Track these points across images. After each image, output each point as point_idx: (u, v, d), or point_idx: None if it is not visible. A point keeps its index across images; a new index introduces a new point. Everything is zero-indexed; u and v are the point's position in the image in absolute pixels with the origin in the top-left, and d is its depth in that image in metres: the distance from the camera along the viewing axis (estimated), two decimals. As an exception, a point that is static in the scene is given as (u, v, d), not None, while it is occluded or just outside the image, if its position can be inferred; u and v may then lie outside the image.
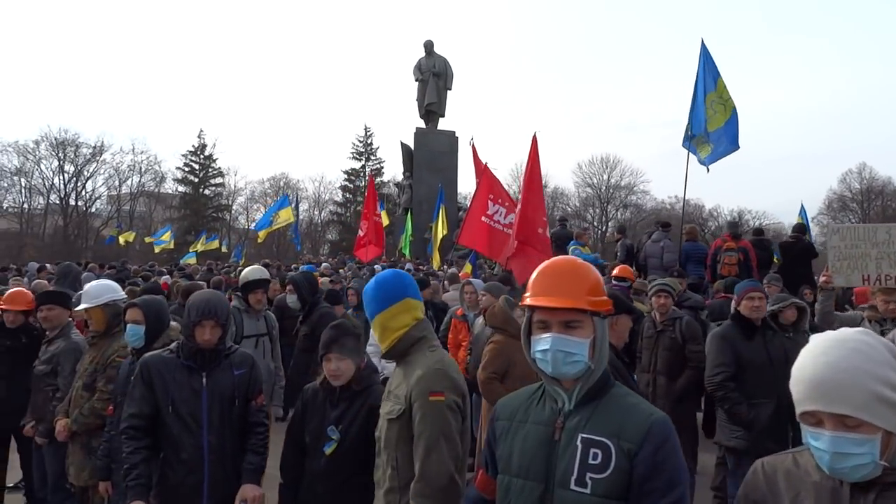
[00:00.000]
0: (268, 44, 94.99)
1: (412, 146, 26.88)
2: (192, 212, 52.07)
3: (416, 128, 26.97)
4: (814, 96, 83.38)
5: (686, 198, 10.07)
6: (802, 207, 17.66)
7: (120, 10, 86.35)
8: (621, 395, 1.75)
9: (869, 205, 50.29)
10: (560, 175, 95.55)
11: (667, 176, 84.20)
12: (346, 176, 55.17)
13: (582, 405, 1.72)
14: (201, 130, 64.72)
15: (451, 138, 27.22)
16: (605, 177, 60.72)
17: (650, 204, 60.77)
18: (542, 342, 1.72)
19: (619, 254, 10.10)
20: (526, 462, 1.73)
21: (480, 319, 5.69)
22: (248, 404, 3.20)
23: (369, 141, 54.75)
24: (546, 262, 1.88)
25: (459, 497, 2.12)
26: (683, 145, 8.54)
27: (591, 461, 1.63)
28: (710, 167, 8.40)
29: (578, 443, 1.66)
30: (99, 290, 4.09)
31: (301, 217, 59.24)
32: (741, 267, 7.38)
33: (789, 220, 51.14)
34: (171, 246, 27.19)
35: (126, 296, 4.30)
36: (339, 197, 56.36)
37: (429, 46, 26.74)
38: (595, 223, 60.20)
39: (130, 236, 28.29)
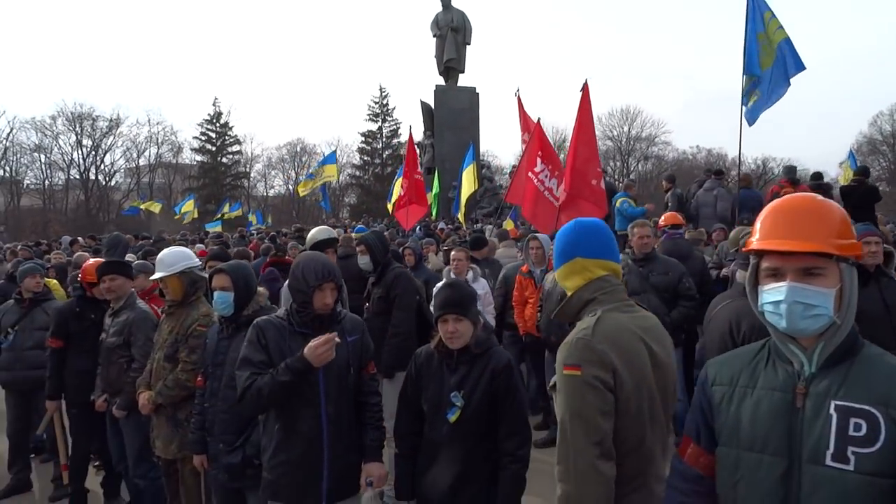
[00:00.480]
0: (279, 7, 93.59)
1: (432, 105, 26.43)
2: (211, 180, 52.09)
3: (436, 85, 26.45)
4: (838, 41, 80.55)
5: (708, 147, 9.42)
6: (851, 153, 17.09)
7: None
8: (878, 356, 1.49)
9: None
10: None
11: (688, 126, 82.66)
12: (363, 138, 54.69)
13: (828, 367, 1.47)
14: (216, 98, 64.22)
15: (471, 95, 26.71)
16: (626, 129, 59.69)
17: (672, 155, 59.84)
18: (775, 293, 1.48)
19: (669, 204, 9.71)
20: (761, 434, 1.49)
21: (551, 275, 5.41)
22: (360, 373, 2.98)
23: (385, 102, 54.11)
24: (780, 200, 1.61)
25: (604, 483, 1.88)
26: (743, 102, 8.00)
27: (852, 433, 1.39)
28: (754, 119, 7.94)
29: (832, 411, 1.42)
30: (174, 257, 3.89)
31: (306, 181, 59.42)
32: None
33: (815, 166, 50.21)
34: (196, 215, 27.18)
35: (199, 263, 4.07)
36: (356, 160, 55.95)
37: (446, 1, 26.04)
38: (617, 176, 59.36)
39: (156, 207, 28.21)
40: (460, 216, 17.71)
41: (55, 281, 6.79)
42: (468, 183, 14.16)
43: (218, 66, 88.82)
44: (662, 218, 6.79)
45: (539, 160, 7.69)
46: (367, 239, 4.79)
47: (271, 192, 58.86)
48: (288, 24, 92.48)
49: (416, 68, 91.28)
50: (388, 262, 4.82)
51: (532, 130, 8.17)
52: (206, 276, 3.80)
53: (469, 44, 26.49)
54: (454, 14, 26.04)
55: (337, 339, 2.65)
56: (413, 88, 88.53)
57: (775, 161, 53.88)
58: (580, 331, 1.99)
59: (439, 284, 2.86)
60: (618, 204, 9.32)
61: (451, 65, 26.08)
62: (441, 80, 26.87)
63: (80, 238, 13.36)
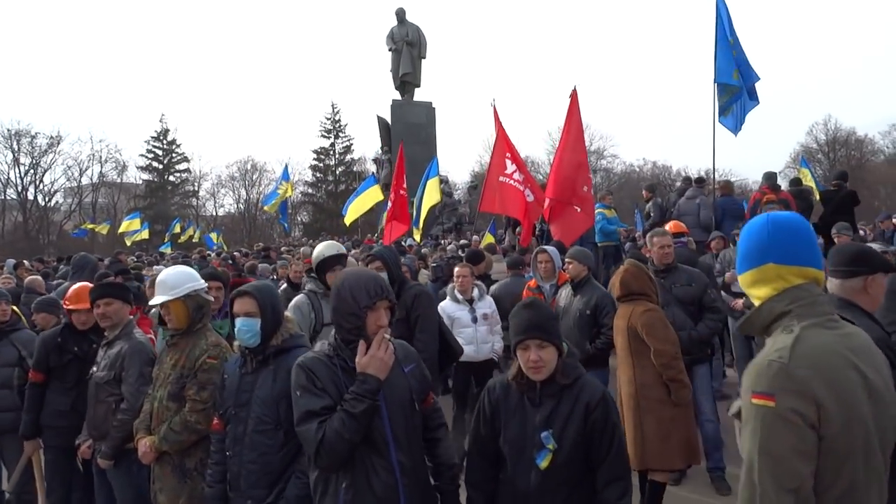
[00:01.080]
0: (226, 22, 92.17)
1: (388, 119, 26.19)
2: (158, 200, 50.51)
3: (393, 100, 26.23)
4: (776, 53, 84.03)
5: (653, 159, 9.37)
6: (804, 160, 17.63)
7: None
8: None
9: (835, 155, 51.10)
10: (532, 145, 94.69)
11: (634, 139, 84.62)
12: (315, 155, 54.03)
13: None
14: (163, 115, 62.24)
15: (428, 109, 26.57)
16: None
17: (619, 167, 61.10)
18: None
19: (651, 214, 9.68)
20: None
21: (566, 290, 5.28)
22: (422, 407, 2.56)
23: (337, 118, 53.66)
24: None
25: None
26: (720, 112, 8.06)
27: None
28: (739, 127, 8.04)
29: None
30: (177, 278, 3.41)
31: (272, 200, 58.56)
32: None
33: (755, 175, 51.98)
34: (146, 236, 26.07)
35: (206, 285, 3.60)
36: (309, 177, 55.17)
37: (400, 14, 25.89)
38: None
39: (104, 228, 27.01)
40: (416, 233, 17.47)
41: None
42: (430, 196, 13.88)
43: (164, 83, 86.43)
44: (666, 227, 6.68)
45: (508, 162, 7.65)
46: (383, 254, 4.36)
47: (220, 212, 57.66)
48: (236, 40, 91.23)
49: (369, 84, 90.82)
50: (403, 279, 4.40)
51: (498, 135, 8.07)
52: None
53: (424, 58, 26.39)
54: (409, 28, 25.93)
55: (387, 335, 2.33)
56: (366, 104, 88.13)
57: (718, 172, 55.61)
58: (774, 351, 1.67)
59: (518, 305, 2.52)
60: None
61: (406, 79, 25.92)
62: (397, 95, 26.68)
63: (24, 261, 12.52)
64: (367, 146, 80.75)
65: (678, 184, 10.11)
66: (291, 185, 22.62)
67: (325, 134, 53.65)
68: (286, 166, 25.82)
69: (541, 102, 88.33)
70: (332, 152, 53.75)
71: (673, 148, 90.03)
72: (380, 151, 26.78)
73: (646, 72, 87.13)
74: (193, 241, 30.65)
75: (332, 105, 55.92)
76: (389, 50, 26.13)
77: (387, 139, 26.23)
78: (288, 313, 3.18)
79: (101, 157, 50.61)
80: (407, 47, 25.70)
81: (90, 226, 29.40)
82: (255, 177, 57.31)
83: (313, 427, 2.23)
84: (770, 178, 8.20)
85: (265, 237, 53.89)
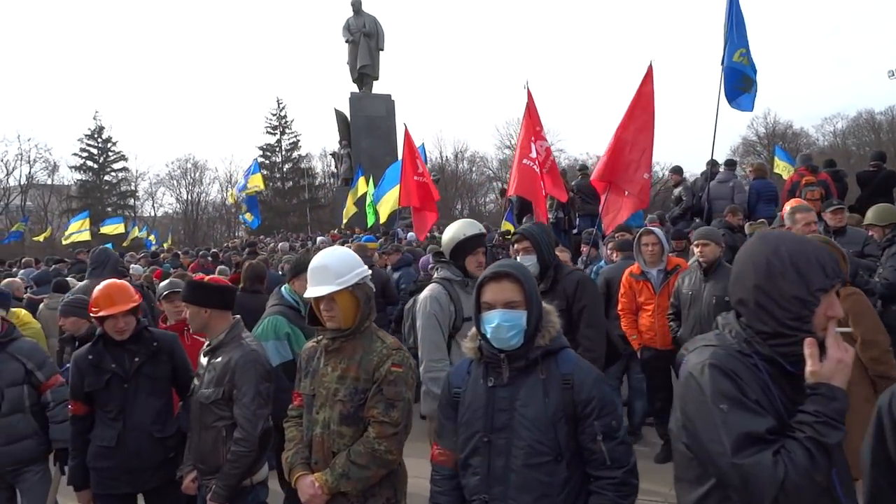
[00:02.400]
0: (162, 15, 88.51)
1: (346, 113, 25.49)
2: (94, 200, 47.94)
3: (351, 93, 25.59)
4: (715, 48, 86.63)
5: (598, 154, 8.94)
6: (778, 147, 17.86)
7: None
8: None
9: (774, 147, 53.02)
10: (479, 140, 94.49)
11: (580, 133, 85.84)
12: (261, 152, 52.35)
13: None
14: (97, 112, 59.19)
15: (387, 102, 26.02)
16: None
17: (566, 161, 61.76)
18: None
19: (683, 198, 9.18)
20: None
21: (691, 276, 4.80)
22: None
23: (283, 113, 52.19)
24: None
25: None
26: (727, 93, 7.81)
27: None
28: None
29: None
30: (343, 262, 2.68)
31: (213, 198, 56.72)
32: (823, 201, 6.94)
33: (696, 167, 53.21)
34: (89, 237, 24.46)
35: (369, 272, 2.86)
36: (254, 174, 53.48)
37: (356, 5, 25.24)
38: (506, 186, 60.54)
39: (44, 234, 25.17)
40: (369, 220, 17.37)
41: (25, 311, 5.31)
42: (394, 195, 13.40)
43: (97, 78, 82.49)
44: (727, 214, 6.10)
45: (532, 145, 7.28)
46: (533, 232, 3.68)
47: (160, 212, 55.34)
48: (173, 32, 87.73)
49: (315, 78, 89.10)
50: (558, 262, 3.75)
51: (527, 118, 7.63)
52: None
53: (383, 49, 25.80)
54: (366, 19, 25.28)
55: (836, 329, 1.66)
56: (313, 99, 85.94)
57: (658, 165, 57.01)
58: None
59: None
60: None
61: (365, 71, 25.28)
62: (354, 88, 26.00)
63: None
64: (314, 142, 79.58)
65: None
66: (262, 178, 21.59)
67: (271, 130, 52.17)
68: (255, 160, 24.65)
69: (488, 96, 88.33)
70: (278, 149, 52.27)
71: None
72: (338, 146, 25.99)
73: (591, 66, 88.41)
74: (134, 242, 29.08)
75: (278, 100, 54.59)
76: (346, 41, 25.45)
77: (345, 133, 25.57)
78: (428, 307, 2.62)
79: (29, 157, 47.67)
80: (364, 38, 25.08)
81: (22, 227, 27.21)
82: (196, 175, 55.44)
83: (766, 460, 1.51)
84: (806, 159, 8.03)
85: (211, 237, 52.14)
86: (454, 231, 3.55)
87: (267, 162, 52.29)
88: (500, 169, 59.65)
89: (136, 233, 27.78)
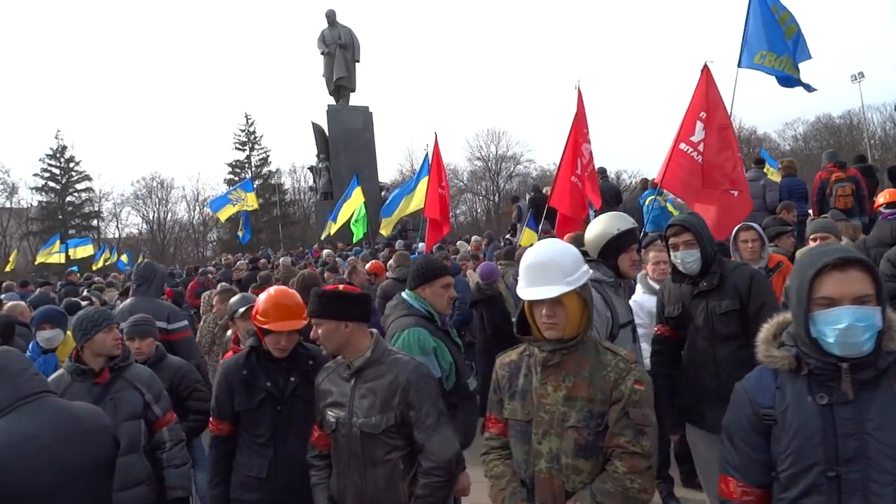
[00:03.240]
0: (125, 31, 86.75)
1: (323, 126, 25.08)
2: (57, 223, 46.44)
3: (328, 105, 25.20)
4: (681, 54, 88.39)
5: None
6: (763, 151, 18.15)
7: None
8: None
9: (741, 153, 54.12)
10: (450, 152, 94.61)
11: (550, 143, 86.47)
12: (230, 168, 51.52)
13: None
14: (58, 131, 57.13)
15: (365, 114, 25.68)
16: (494, 148, 61.11)
17: (535, 172, 62.09)
18: None
19: None
20: None
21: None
22: None
23: (252, 129, 51.36)
24: None
25: None
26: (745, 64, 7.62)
27: None
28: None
29: None
30: (569, 259, 2.27)
31: (180, 217, 55.46)
32: (855, 197, 6.87)
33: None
34: (61, 259, 23.56)
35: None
36: (222, 192, 52.45)
37: (331, 17, 24.87)
38: (486, 195, 60.77)
39: (11, 260, 24.07)
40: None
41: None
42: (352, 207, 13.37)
43: (57, 95, 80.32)
44: (881, 196, 5.82)
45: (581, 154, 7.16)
46: (695, 224, 3.26)
47: (125, 233, 53.86)
48: (136, 48, 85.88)
49: (284, 93, 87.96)
50: (720, 256, 3.36)
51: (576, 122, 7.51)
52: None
53: (359, 61, 25.49)
54: (341, 31, 24.94)
55: None
56: (282, 114, 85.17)
57: (626, 173, 57.77)
58: None
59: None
60: (646, 203, 8.74)
61: (341, 83, 24.89)
62: (329, 101, 25.63)
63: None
64: (284, 157, 78.64)
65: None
66: (255, 196, 21.11)
67: (240, 146, 51.30)
68: (249, 179, 24.30)
69: (457, 107, 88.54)
70: (247, 165, 51.45)
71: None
72: (316, 159, 25.54)
73: (558, 75, 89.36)
74: (107, 264, 28.13)
75: (246, 116, 53.59)
76: (322, 53, 25.05)
77: (323, 146, 25.13)
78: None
79: (-15, 179, 45.87)
80: (340, 50, 24.74)
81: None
82: (162, 194, 54.21)
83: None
84: (833, 156, 7.94)
85: (183, 257, 50.85)
86: (603, 226, 3.16)
87: (236, 179, 51.42)
88: (471, 180, 59.77)
89: (107, 255, 26.81)
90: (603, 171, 13.37)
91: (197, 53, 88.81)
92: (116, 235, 52.67)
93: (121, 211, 52.97)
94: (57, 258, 23.01)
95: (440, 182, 9.93)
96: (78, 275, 16.04)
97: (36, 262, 23.26)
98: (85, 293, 9.44)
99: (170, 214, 55.25)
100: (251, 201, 20.34)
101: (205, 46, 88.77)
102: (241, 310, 3.97)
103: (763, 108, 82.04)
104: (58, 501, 2.03)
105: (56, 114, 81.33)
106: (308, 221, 51.83)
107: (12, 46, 78.38)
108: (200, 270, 12.01)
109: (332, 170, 24.68)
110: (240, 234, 24.02)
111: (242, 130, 51.20)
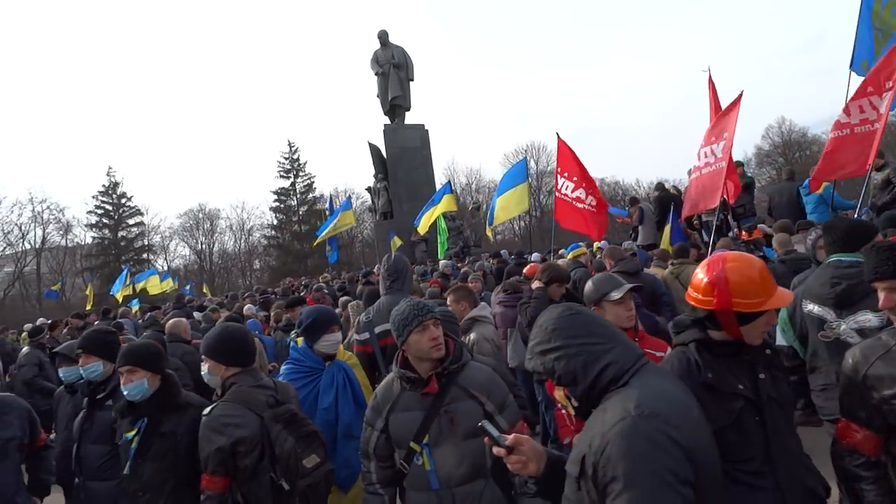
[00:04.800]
0: (166, 65, 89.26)
1: (380, 146, 25.06)
2: (112, 258, 47.37)
3: (385, 125, 25.20)
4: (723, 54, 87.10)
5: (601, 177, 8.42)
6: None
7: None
8: None
9: (791, 156, 52.58)
10: (491, 167, 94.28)
11: (592, 156, 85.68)
12: (275, 196, 52.02)
13: None
14: (110, 168, 58.32)
15: (421, 132, 25.60)
16: (534, 164, 60.72)
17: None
18: None
19: (894, 180, 7.68)
20: None
21: None
22: None
23: (296, 156, 51.93)
24: None
25: None
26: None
27: None
28: None
29: None
30: None
31: (225, 246, 56.19)
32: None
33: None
34: (170, 285, 24.52)
35: None
36: (271, 219, 53.00)
37: (383, 37, 24.93)
38: (531, 212, 60.29)
39: (88, 291, 24.49)
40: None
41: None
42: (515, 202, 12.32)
43: (103, 135, 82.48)
44: None
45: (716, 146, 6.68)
46: None
47: (174, 264, 54.69)
48: (178, 83, 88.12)
49: (325, 119, 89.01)
50: None
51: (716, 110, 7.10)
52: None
53: (412, 80, 25.45)
54: (394, 50, 24.97)
55: None
56: (322, 140, 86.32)
57: (667, 182, 56.54)
58: None
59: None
60: (821, 190, 8.25)
61: (396, 102, 24.87)
62: (381, 122, 25.69)
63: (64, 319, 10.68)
64: (327, 183, 79.36)
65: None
66: (352, 214, 21.16)
67: (284, 174, 51.87)
68: (349, 199, 24.23)
69: (496, 124, 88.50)
70: (292, 192, 51.93)
71: (614, 164, 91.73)
72: (374, 179, 25.43)
73: (590, 90, 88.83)
74: (170, 292, 28.42)
75: (290, 143, 54.15)
76: (376, 74, 25.11)
77: (380, 166, 25.06)
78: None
79: (42, 218, 47.13)
80: (394, 70, 24.75)
81: (57, 286, 26.49)
82: (207, 226, 55.05)
83: None
84: None
85: (230, 285, 51.34)
86: None
87: (282, 206, 51.96)
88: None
89: (170, 283, 27.06)
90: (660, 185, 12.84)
91: (238, 84, 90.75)
92: (165, 267, 53.77)
93: (168, 243, 54.01)
94: (125, 291, 23.31)
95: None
96: (137, 309, 15.98)
97: (119, 297, 23.49)
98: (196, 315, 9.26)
99: (216, 245, 56.11)
100: (349, 219, 20.39)
101: (245, 77, 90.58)
102: (616, 294, 3.28)
103: (812, 109, 79.97)
104: None
105: (107, 150, 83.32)
106: (353, 245, 52.22)
107: (65, 87, 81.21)
108: (315, 287, 11.84)
109: (391, 189, 24.58)
110: (328, 253, 24.22)
111: (286, 158, 51.88)
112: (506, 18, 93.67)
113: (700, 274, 2.23)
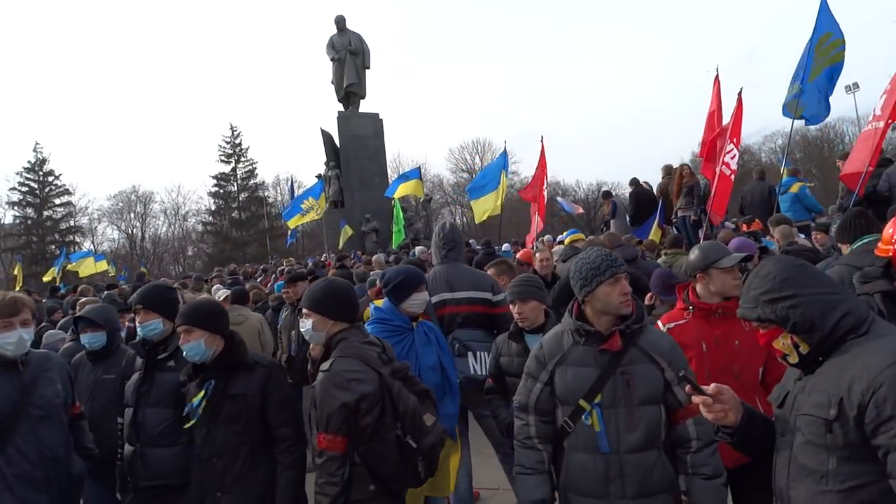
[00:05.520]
0: (103, 36, 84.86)
1: (332, 133, 24.63)
2: (36, 238, 44.91)
3: (339, 112, 24.77)
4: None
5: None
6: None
7: None
8: None
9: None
10: (437, 162, 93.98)
11: (530, 155, 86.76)
12: (214, 181, 50.42)
13: None
14: (37, 143, 54.46)
15: (375, 121, 25.31)
16: (478, 160, 61.05)
17: (518, 185, 62.02)
18: None
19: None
20: None
21: None
22: None
23: (238, 141, 50.41)
24: None
25: None
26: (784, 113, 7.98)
27: None
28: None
29: None
30: None
31: (158, 231, 53.97)
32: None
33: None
34: (105, 267, 23.22)
35: None
36: (209, 205, 51.32)
37: (340, 22, 24.44)
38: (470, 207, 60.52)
39: (16, 271, 22.97)
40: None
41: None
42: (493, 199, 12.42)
43: (30, 108, 77.68)
44: None
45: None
46: None
47: (102, 247, 52.21)
48: (115, 57, 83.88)
49: (269, 103, 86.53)
50: None
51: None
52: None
53: (369, 67, 25.10)
54: (351, 37, 24.54)
55: None
56: (267, 125, 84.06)
57: (608, 185, 58.14)
58: None
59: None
60: (795, 189, 8.57)
61: (352, 89, 24.45)
62: (341, 107, 25.19)
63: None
64: (269, 170, 77.31)
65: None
66: (322, 203, 20.42)
67: (225, 158, 50.31)
68: (319, 180, 22.97)
69: (441, 118, 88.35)
70: (233, 177, 50.45)
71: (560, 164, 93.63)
72: (325, 167, 24.96)
73: (535, 87, 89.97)
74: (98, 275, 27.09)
75: (232, 127, 52.41)
76: (332, 59, 24.61)
77: (332, 154, 24.63)
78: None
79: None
80: (350, 56, 24.33)
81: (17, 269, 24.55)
82: (139, 209, 52.85)
83: None
84: None
85: (161, 270, 49.42)
86: None
87: (221, 191, 50.40)
88: (456, 192, 59.32)
89: (104, 265, 25.75)
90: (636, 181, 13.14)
91: (179, 62, 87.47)
92: (92, 249, 51.13)
93: (97, 226, 51.51)
94: (52, 273, 22.12)
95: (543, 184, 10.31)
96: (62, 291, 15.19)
97: (53, 278, 22.13)
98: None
99: (149, 229, 53.98)
100: (316, 205, 19.70)
101: (187, 55, 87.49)
102: (727, 262, 3.15)
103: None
104: None
105: (34, 124, 78.72)
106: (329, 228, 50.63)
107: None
108: (287, 270, 11.49)
109: (343, 178, 24.24)
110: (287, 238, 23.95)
111: (227, 142, 50.30)
112: (460, 12, 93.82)
113: (889, 229, 2.58)
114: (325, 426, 2.52)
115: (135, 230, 53.35)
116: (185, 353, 2.92)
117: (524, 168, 58.99)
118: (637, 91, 74.01)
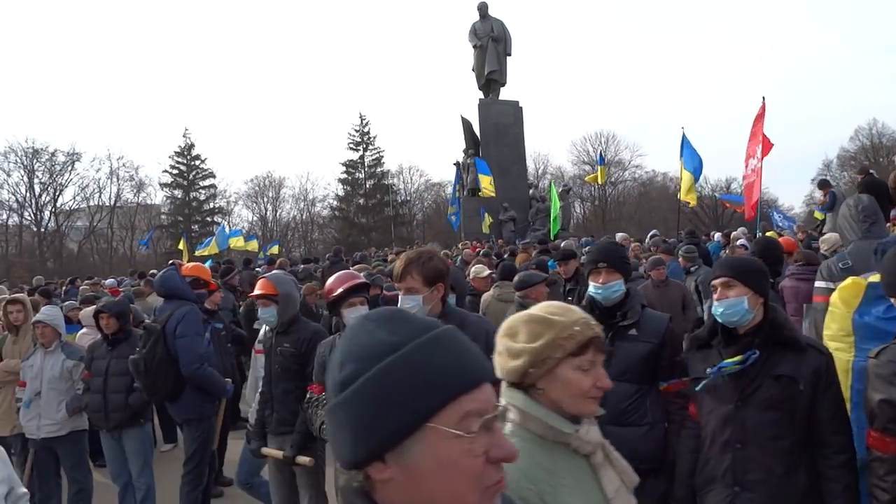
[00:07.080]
0: (243, 33, 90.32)
1: (473, 121, 24.63)
2: (185, 218, 48.41)
3: (479, 99, 24.74)
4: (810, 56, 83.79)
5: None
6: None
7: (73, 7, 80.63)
8: None
9: (877, 159, 50.10)
10: (557, 156, 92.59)
11: (663, 146, 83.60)
12: (343, 168, 52.11)
13: None
14: (186, 129, 57.39)
15: (515, 108, 25.09)
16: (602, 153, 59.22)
17: (645, 177, 59.49)
18: None
19: None
20: None
21: None
22: None
23: (366, 129, 51.79)
24: None
25: None
26: None
27: None
28: None
29: None
30: None
31: (288, 216, 56.60)
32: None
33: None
34: (255, 247, 25.53)
35: None
36: (338, 190, 53.14)
37: (483, 9, 24.41)
38: (597, 202, 59.09)
39: (182, 246, 25.07)
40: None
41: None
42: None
43: (180, 97, 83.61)
44: None
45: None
46: None
47: (238, 227, 55.38)
48: (250, 54, 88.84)
49: (399, 94, 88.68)
50: None
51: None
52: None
53: (510, 55, 24.91)
54: (493, 23, 24.42)
55: None
56: (390, 116, 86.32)
57: (736, 182, 54.40)
58: None
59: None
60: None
61: (493, 77, 24.34)
62: (481, 95, 25.16)
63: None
64: (393, 159, 79.27)
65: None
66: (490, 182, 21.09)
67: (354, 146, 51.84)
68: (482, 160, 22.85)
69: (567, 111, 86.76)
70: (360, 165, 51.95)
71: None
72: (463, 155, 25.00)
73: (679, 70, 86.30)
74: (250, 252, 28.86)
75: (361, 116, 53.78)
76: (474, 46, 24.62)
77: (471, 141, 24.62)
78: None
79: (118, 175, 48.05)
80: (492, 43, 24.21)
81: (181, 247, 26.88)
82: (270, 193, 55.54)
83: None
84: None
85: (286, 253, 51.82)
86: None
87: (349, 178, 52.04)
88: (575, 185, 57.60)
89: (254, 244, 27.47)
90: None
91: (313, 54, 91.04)
92: (242, 229, 54.34)
93: (233, 207, 54.64)
94: (213, 248, 23.77)
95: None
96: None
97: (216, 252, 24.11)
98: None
99: (280, 212, 56.65)
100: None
101: (321, 47, 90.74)
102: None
103: None
104: None
105: (182, 113, 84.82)
106: (413, 222, 52.15)
107: (146, 47, 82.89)
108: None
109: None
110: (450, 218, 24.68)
111: (357, 130, 51.80)
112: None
113: None
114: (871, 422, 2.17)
115: (267, 213, 56.24)
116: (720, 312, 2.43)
117: (649, 161, 56.94)
118: (773, 83, 68.96)
